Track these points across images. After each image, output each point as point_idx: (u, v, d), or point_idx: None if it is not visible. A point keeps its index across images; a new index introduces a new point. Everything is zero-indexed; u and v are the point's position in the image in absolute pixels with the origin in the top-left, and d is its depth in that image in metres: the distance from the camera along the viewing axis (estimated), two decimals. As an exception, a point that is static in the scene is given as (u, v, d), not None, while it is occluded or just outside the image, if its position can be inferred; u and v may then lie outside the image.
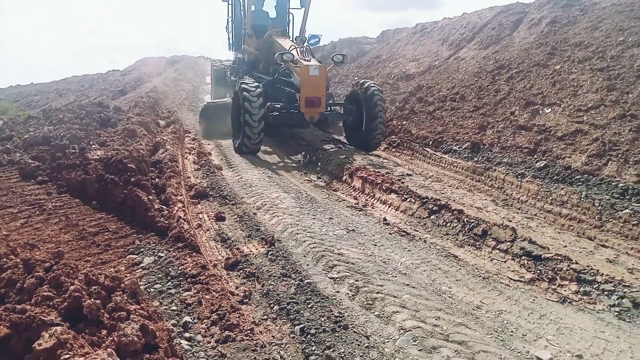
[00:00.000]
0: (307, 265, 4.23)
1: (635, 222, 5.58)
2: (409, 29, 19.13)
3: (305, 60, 9.41)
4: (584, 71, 9.08)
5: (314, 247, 4.55)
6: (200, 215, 5.67)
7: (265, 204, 6.02)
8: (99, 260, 4.06)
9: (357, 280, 3.89)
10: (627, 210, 5.74)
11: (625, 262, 4.62)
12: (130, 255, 4.18)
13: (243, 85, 8.97)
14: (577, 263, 4.26)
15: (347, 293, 3.73)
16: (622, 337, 3.38)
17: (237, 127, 9.71)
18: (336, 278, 3.95)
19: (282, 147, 10.51)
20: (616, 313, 3.69)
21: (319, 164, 8.66)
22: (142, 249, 4.32)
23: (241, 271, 4.11)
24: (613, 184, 6.35)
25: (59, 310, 2.50)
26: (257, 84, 9.11)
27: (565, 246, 4.93)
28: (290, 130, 11.30)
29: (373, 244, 4.87)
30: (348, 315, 3.38)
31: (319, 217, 5.65)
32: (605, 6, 11.00)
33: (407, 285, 3.90)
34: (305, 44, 11.38)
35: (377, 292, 3.69)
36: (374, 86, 9.67)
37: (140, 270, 3.93)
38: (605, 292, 3.90)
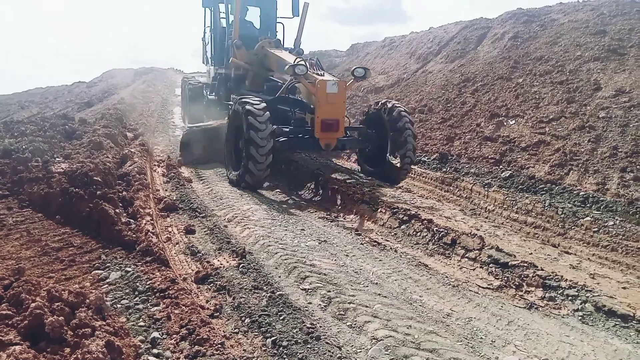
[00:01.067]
0: (279, 277, 4.20)
1: (595, 229, 5.80)
2: (378, 43, 19.50)
3: (318, 74, 7.67)
4: (545, 84, 9.45)
5: (286, 259, 4.53)
6: (170, 229, 5.56)
7: (237, 216, 5.97)
8: (63, 277, 3.91)
9: (329, 291, 3.88)
10: (588, 218, 5.97)
11: (587, 268, 4.79)
12: (96, 271, 4.05)
13: (247, 106, 7.12)
14: (542, 270, 4.39)
15: (320, 304, 3.72)
16: (585, 340, 3.49)
17: (233, 156, 8.01)
18: (308, 289, 3.94)
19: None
20: (580, 317, 3.80)
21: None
22: (108, 264, 4.20)
23: (212, 284, 4.05)
24: (574, 192, 6.60)
25: (18, 329, 2.40)
26: (263, 103, 7.28)
27: (531, 253, 5.07)
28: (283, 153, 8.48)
29: (345, 255, 4.89)
30: (320, 327, 3.36)
31: (291, 228, 5.64)
32: (563, 22, 11.51)
33: (379, 294, 3.92)
34: (307, 57, 9.60)
35: (349, 303, 3.70)
36: (399, 107, 8.04)
37: (107, 285, 3.81)
38: (570, 297, 4.02)
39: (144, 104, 19.03)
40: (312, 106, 7.60)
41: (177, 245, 5.04)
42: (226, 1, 10.49)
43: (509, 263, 4.52)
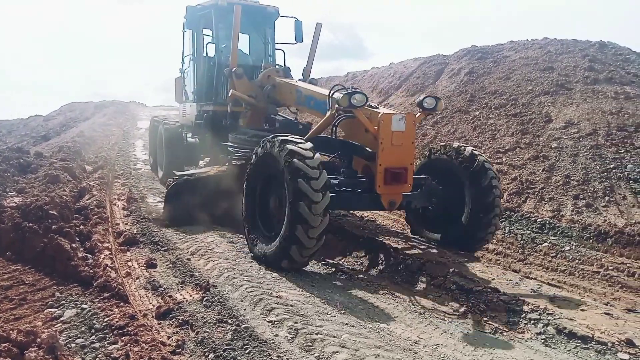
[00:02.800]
0: (245, 309, 4.09)
1: (553, 254, 6.00)
2: (341, 77, 19.99)
3: (372, 106, 5.76)
4: (500, 116, 9.90)
5: (251, 291, 4.43)
6: (130, 263, 5.36)
7: (200, 249, 5.83)
8: (12, 316, 3.68)
9: (297, 322, 3.81)
10: (546, 244, 6.18)
11: (547, 292, 4.91)
12: (49, 309, 3.84)
13: (290, 145, 4.92)
14: (505, 294, 4.47)
15: (286, 336, 3.63)
16: (549, 363, 3.54)
17: (259, 220, 5.66)
18: (275, 321, 3.85)
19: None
20: (542, 340, 3.87)
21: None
22: (62, 302, 3.99)
23: (174, 319, 3.90)
24: (532, 219, 6.84)
25: (-39, 372, 2.22)
26: (309, 143, 5.13)
27: (494, 279, 5.16)
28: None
29: (311, 285, 4.83)
30: (287, 359, 3.28)
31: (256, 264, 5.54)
32: (515, 59, 12.20)
33: (347, 324, 3.87)
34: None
35: (317, 333, 3.63)
36: (481, 156, 5.94)
37: (61, 324, 3.61)
38: (532, 321, 4.10)
39: (104, 137, 18.60)
40: (367, 149, 5.51)
41: (138, 280, 4.85)
42: (215, 23, 8.77)
43: (473, 289, 4.59)
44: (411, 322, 4.12)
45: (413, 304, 4.53)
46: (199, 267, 5.23)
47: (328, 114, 5.91)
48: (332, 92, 5.88)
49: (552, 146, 8.16)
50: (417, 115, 5.70)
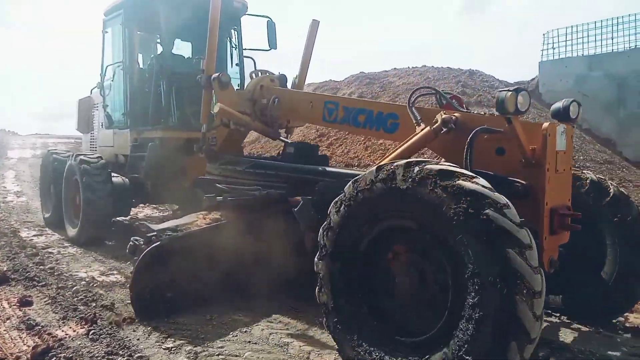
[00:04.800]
0: (138, 339, 3.80)
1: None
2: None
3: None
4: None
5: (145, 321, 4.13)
6: (-1, 303, 4.72)
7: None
8: None
9: (196, 346, 3.62)
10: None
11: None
12: None
13: (465, 184, 2.63)
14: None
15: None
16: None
17: (367, 307, 3.18)
18: (172, 347, 3.62)
19: None
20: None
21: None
22: None
23: (54, 358, 3.49)
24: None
25: None
26: (482, 179, 2.80)
27: None
28: None
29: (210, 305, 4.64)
30: (186, 384, 3.09)
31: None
32: (399, 85, 13.23)
33: (249, 342, 3.78)
34: None
35: (218, 355, 3.49)
36: (629, 198, 4.21)
37: None
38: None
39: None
40: (518, 182, 3.40)
41: (9, 321, 4.28)
42: (165, 18, 6.77)
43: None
44: (313, 334, 4.13)
45: (316, 317, 4.55)
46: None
47: (426, 128, 3.66)
48: (412, 100, 3.98)
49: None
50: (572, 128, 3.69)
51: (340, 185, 3.23)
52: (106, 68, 7.73)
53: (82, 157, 7.28)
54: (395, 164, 2.88)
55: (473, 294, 2.47)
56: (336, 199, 3.16)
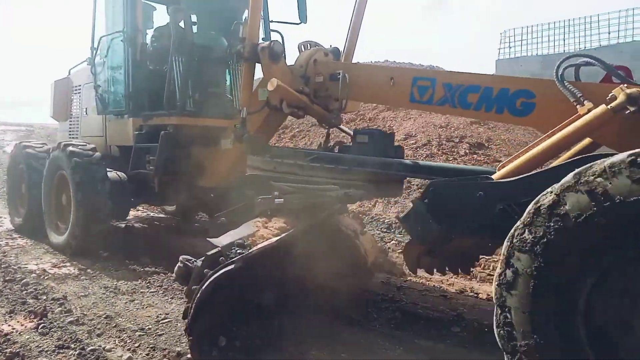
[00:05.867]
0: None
1: (399, 250, 6.61)
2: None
3: None
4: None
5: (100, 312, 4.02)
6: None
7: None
8: None
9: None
10: (394, 241, 6.79)
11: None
12: None
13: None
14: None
15: (144, 355, 3.37)
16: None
17: None
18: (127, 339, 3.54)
19: None
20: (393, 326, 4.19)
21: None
22: None
23: (-1, 354, 3.34)
24: (381, 220, 7.47)
25: None
26: None
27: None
28: None
29: (172, 297, 4.57)
30: (142, 376, 3.03)
31: (104, 283, 5.06)
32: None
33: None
34: None
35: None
36: None
37: None
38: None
39: None
40: None
41: (-51, 316, 4.05)
42: None
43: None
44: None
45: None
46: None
47: (600, 107, 2.70)
48: (561, 73, 3.00)
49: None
50: None
51: (463, 186, 2.64)
52: (100, 40, 6.33)
53: (72, 147, 5.86)
54: (609, 160, 1.92)
55: None
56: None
